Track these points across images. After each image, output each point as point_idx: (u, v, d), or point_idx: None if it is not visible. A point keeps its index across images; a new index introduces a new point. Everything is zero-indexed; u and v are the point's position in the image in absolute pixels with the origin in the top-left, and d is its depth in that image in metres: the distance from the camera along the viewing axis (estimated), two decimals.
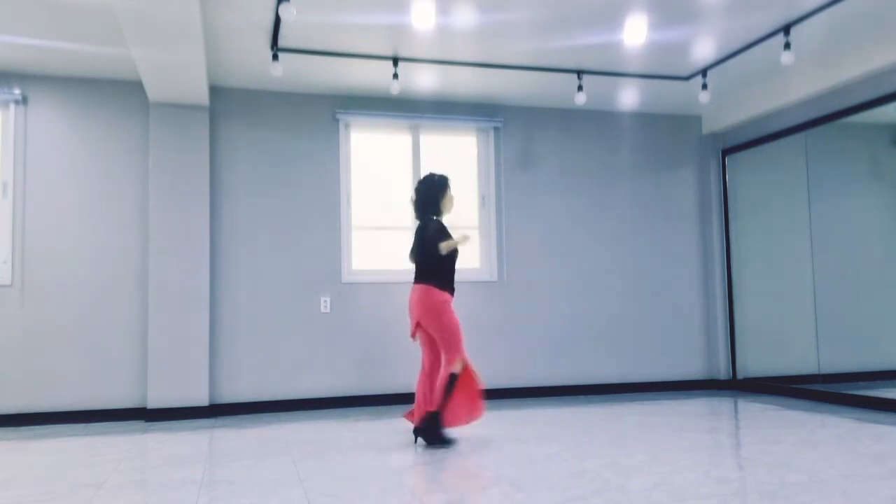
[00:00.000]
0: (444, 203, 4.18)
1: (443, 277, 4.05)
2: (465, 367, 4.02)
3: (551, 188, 6.17)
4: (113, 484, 3.18)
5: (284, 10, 3.90)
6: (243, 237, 5.47)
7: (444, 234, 4.06)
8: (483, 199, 6.07)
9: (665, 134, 6.49)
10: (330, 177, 5.69)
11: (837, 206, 5.37)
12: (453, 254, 4.08)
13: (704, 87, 5.42)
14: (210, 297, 5.30)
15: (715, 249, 6.44)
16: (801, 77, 5.34)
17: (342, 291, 5.62)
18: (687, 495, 2.77)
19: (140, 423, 4.97)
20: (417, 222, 4.22)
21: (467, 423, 4.07)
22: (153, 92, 5.03)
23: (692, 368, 6.37)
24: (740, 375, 6.24)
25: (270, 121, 5.60)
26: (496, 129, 6.06)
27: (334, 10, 4.26)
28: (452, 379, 3.95)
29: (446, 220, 4.20)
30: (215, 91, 5.47)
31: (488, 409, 5.29)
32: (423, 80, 5.44)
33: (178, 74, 4.68)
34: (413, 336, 4.14)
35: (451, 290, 4.07)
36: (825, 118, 5.31)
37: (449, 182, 4.21)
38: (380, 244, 5.84)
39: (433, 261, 4.02)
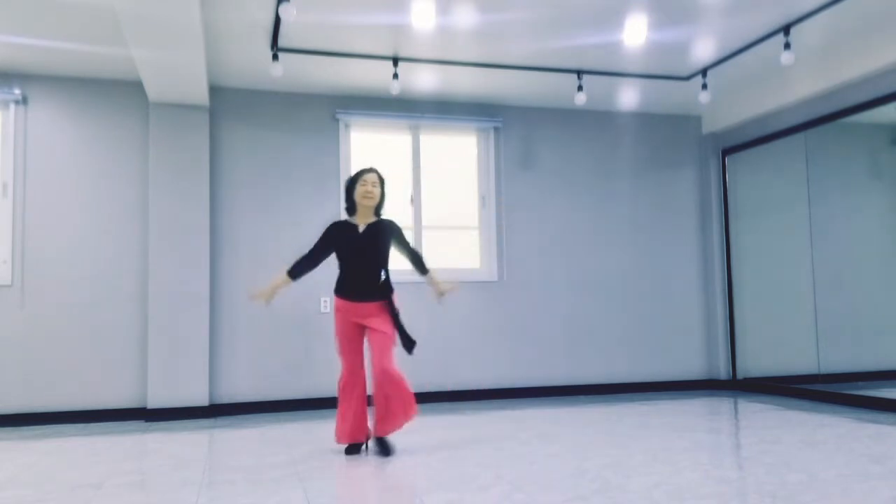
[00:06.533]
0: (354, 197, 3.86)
1: (337, 281, 3.88)
2: (343, 380, 3.86)
3: (551, 188, 6.16)
4: (113, 484, 3.18)
5: (284, 10, 3.90)
6: (243, 237, 5.47)
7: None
8: (483, 199, 6.07)
9: (665, 134, 6.49)
10: (330, 177, 5.69)
11: (837, 205, 5.37)
12: (342, 256, 3.84)
13: (704, 87, 5.41)
14: (210, 297, 5.30)
15: (715, 249, 6.43)
16: (801, 77, 5.33)
17: None
18: (687, 495, 2.77)
19: (140, 423, 4.97)
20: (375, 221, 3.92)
21: (347, 442, 3.80)
22: (153, 92, 5.03)
23: (692, 368, 6.37)
24: (740, 375, 6.24)
25: (270, 121, 5.60)
26: (496, 129, 6.06)
27: (334, 10, 4.26)
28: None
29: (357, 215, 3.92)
30: (215, 91, 5.47)
31: (489, 408, 5.31)
32: (423, 80, 5.44)
33: (178, 74, 4.68)
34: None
35: (342, 294, 3.81)
36: (825, 118, 5.31)
37: (353, 177, 3.89)
38: None
39: None
